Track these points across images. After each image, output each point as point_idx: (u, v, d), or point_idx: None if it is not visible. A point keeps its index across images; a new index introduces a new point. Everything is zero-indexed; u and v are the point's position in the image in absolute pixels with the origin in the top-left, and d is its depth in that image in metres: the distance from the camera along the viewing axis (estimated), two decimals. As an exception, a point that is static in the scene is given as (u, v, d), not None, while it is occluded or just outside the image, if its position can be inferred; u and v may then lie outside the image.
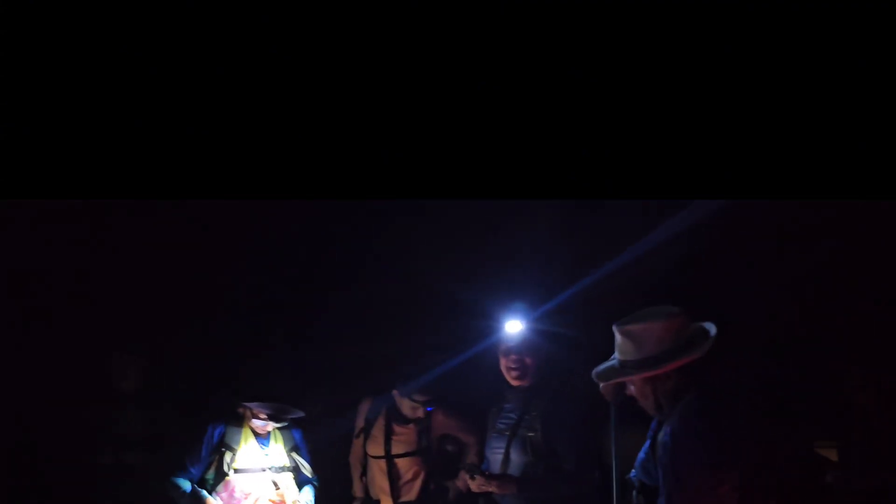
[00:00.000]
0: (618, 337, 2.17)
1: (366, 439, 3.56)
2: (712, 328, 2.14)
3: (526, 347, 3.10)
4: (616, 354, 2.18)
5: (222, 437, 3.25)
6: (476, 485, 3.02)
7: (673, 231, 3.08)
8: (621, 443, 2.47)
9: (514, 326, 3.12)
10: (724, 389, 2.13)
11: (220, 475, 3.21)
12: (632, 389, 2.17)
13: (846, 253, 3.03)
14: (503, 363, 3.15)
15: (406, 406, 3.47)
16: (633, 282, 3.15)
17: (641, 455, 2.17)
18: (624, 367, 2.15)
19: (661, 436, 2.04)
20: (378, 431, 3.53)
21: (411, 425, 3.51)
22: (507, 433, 3.08)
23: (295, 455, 3.38)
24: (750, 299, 3.19)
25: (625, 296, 2.80)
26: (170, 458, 3.30)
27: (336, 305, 3.91)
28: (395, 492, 3.49)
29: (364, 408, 3.63)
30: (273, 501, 3.21)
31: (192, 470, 3.19)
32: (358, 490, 3.63)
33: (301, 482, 3.39)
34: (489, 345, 3.24)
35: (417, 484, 3.51)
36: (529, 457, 3.00)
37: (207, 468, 3.22)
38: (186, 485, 3.18)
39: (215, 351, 3.86)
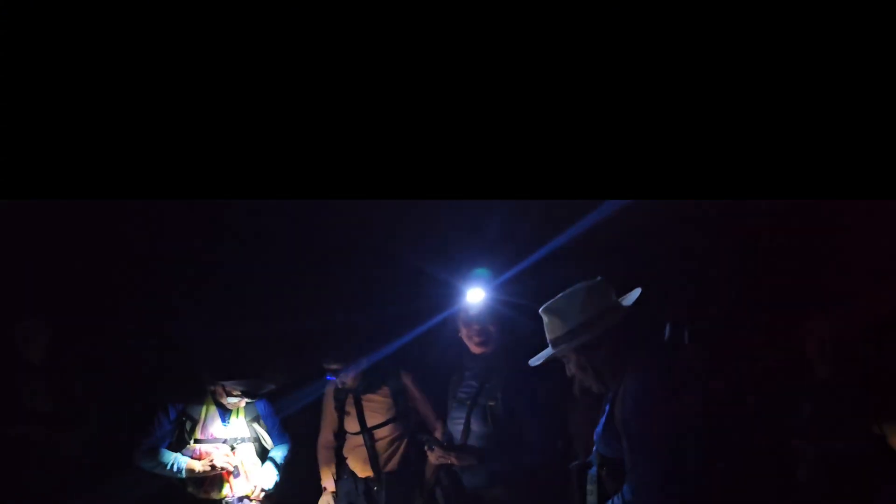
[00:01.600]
0: (545, 318, 2.19)
1: (341, 419, 3.49)
2: (635, 293, 2.17)
3: (489, 315, 3.07)
4: (548, 338, 2.19)
5: (183, 409, 3.24)
6: (434, 456, 2.97)
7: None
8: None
9: (475, 295, 3.10)
10: (668, 358, 2.12)
11: (181, 446, 3.21)
12: (571, 369, 2.16)
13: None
14: (465, 332, 3.12)
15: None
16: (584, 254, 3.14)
17: (599, 429, 2.14)
18: (555, 344, 2.15)
19: (617, 409, 2.02)
20: (350, 407, 3.47)
21: (382, 392, 3.45)
22: (468, 402, 3.03)
23: (256, 426, 3.35)
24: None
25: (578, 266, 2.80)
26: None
27: (296, 281, 3.87)
28: (377, 465, 3.40)
29: (330, 389, 3.57)
30: (228, 465, 3.17)
31: (156, 441, 3.18)
32: (328, 481, 3.53)
33: (269, 454, 3.37)
34: (451, 314, 3.22)
35: (399, 453, 3.44)
36: (490, 427, 2.96)
37: (168, 439, 3.20)
38: (163, 454, 3.15)
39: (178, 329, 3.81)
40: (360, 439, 3.42)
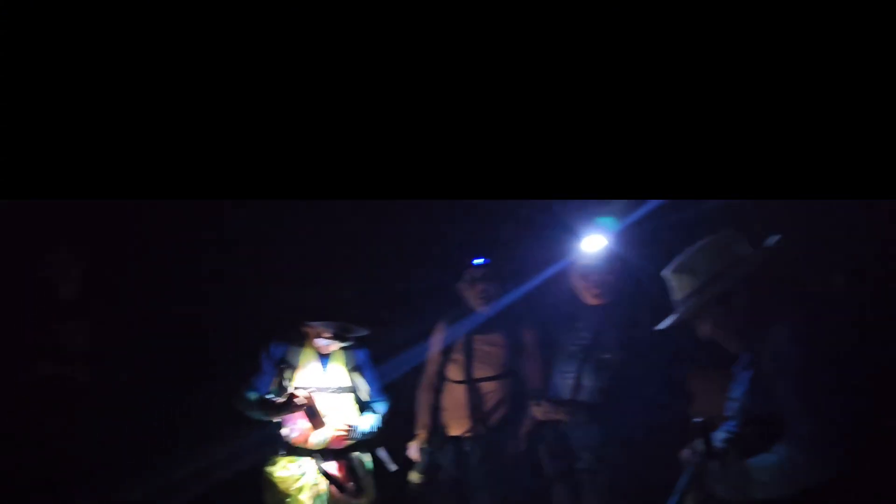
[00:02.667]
0: (672, 280, 1.95)
1: (444, 363, 3.34)
2: (773, 238, 1.91)
3: (608, 264, 2.87)
4: (678, 298, 1.95)
5: (284, 355, 3.13)
6: (541, 411, 2.79)
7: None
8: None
9: (593, 243, 2.90)
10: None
11: (281, 392, 3.09)
12: (705, 330, 1.92)
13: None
14: (581, 283, 2.92)
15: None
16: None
17: (744, 388, 1.87)
18: (686, 302, 1.91)
19: (771, 363, 1.77)
20: (458, 354, 3.29)
21: (496, 346, 3.28)
22: (580, 355, 2.82)
23: (356, 376, 3.21)
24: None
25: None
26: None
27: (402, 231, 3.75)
28: (476, 419, 3.20)
29: (440, 330, 3.42)
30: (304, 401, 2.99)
31: (258, 386, 3.10)
32: (424, 423, 3.36)
33: (366, 404, 3.23)
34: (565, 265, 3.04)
35: (500, 412, 3.23)
36: (604, 381, 2.74)
37: (268, 387, 3.11)
38: (254, 395, 3.08)
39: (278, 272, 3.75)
40: (461, 390, 3.25)
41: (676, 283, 1.95)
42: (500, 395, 3.22)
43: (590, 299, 2.89)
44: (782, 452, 1.68)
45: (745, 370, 1.89)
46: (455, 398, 3.26)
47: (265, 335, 3.19)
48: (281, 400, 2.98)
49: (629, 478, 2.64)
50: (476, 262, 3.33)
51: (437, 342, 3.39)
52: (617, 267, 2.89)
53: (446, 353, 3.30)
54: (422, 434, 3.31)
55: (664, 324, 1.99)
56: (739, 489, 1.72)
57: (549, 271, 3.13)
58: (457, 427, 3.23)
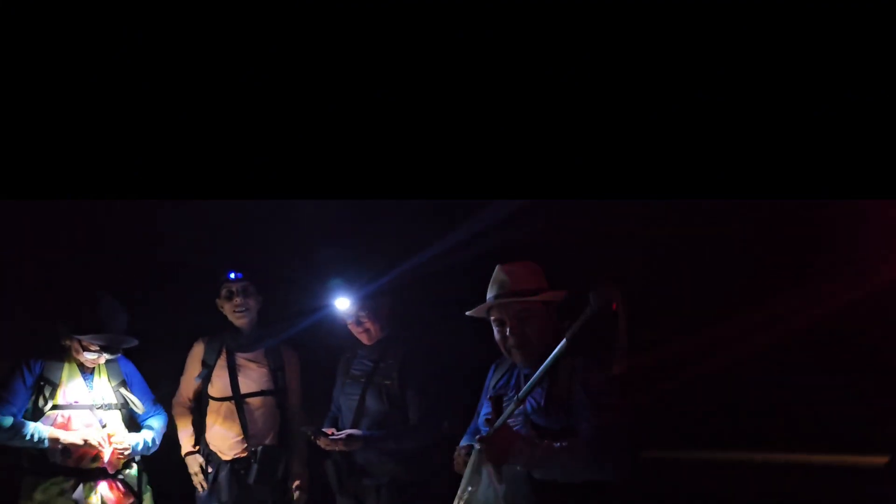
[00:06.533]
0: (507, 270, 2.33)
1: (206, 380, 3.31)
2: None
3: (368, 310, 3.09)
4: (492, 292, 2.33)
5: (42, 371, 2.93)
6: (323, 443, 2.98)
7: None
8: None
9: (341, 304, 3.11)
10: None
11: (38, 413, 2.89)
12: (516, 327, 2.27)
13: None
14: (353, 328, 3.15)
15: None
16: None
17: (535, 404, 2.22)
18: (521, 294, 2.29)
19: (572, 380, 2.17)
20: (221, 369, 3.30)
21: (258, 359, 3.35)
22: (362, 380, 3.08)
23: (123, 390, 3.08)
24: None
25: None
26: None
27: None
28: (248, 436, 3.24)
29: (198, 348, 3.39)
30: (102, 441, 2.89)
31: (11, 408, 2.84)
32: (187, 441, 3.31)
33: (137, 417, 3.12)
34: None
35: (274, 431, 3.32)
36: (385, 405, 3.03)
37: (25, 406, 2.89)
38: (8, 420, 2.81)
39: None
40: (228, 407, 3.26)
41: (512, 273, 2.31)
42: (270, 411, 3.31)
43: (365, 340, 3.14)
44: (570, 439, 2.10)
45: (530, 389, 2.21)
46: (221, 416, 3.27)
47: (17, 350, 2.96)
48: (74, 441, 2.86)
49: (411, 491, 2.97)
50: (231, 275, 3.35)
51: (195, 358, 3.37)
52: (376, 310, 3.10)
53: (207, 369, 3.31)
54: (196, 455, 3.29)
55: (477, 311, 2.35)
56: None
57: (313, 318, 3.27)
58: (229, 448, 3.25)
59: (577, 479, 2.09)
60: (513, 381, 2.37)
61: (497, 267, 2.37)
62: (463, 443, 2.46)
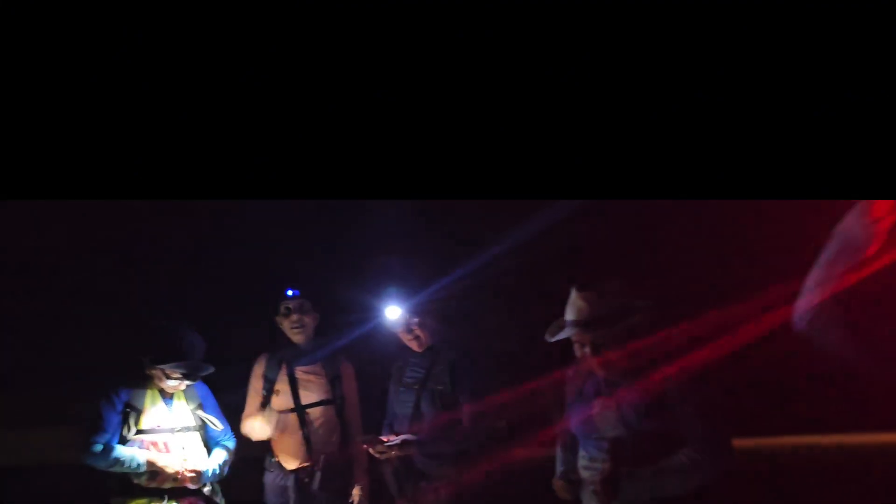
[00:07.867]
0: (585, 294, 2.32)
1: (268, 395, 3.47)
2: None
3: (417, 319, 3.21)
4: (586, 315, 2.32)
5: (129, 398, 3.16)
6: (377, 452, 3.10)
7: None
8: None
9: (393, 312, 3.23)
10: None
11: (122, 438, 3.13)
12: (600, 352, 2.31)
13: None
14: (403, 336, 3.27)
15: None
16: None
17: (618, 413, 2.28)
18: (575, 325, 2.33)
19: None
20: (283, 384, 3.47)
21: (317, 371, 3.50)
22: (416, 387, 3.22)
23: (200, 413, 3.28)
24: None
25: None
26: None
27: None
28: (310, 448, 3.40)
29: (260, 365, 3.56)
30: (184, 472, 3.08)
31: (106, 436, 3.08)
32: (266, 420, 3.43)
33: (211, 439, 3.30)
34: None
35: (334, 440, 3.46)
36: (440, 409, 3.15)
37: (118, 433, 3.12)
38: (109, 449, 3.05)
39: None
40: (292, 419, 3.40)
41: (589, 298, 2.30)
42: (330, 421, 3.46)
43: (415, 347, 3.26)
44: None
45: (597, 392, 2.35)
46: (285, 428, 3.44)
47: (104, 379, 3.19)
48: (166, 464, 3.05)
49: (470, 492, 3.07)
50: (288, 293, 3.51)
51: (257, 375, 3.55)
52: (428, 317, 3.23)
53: (268, 385, 3.49)
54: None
55: (557, 336, 2.36)
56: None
57: (366, 327, 3.40)
58: (291, 461, 3.43)
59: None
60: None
61: (573, 291, 2.37)
62: None
